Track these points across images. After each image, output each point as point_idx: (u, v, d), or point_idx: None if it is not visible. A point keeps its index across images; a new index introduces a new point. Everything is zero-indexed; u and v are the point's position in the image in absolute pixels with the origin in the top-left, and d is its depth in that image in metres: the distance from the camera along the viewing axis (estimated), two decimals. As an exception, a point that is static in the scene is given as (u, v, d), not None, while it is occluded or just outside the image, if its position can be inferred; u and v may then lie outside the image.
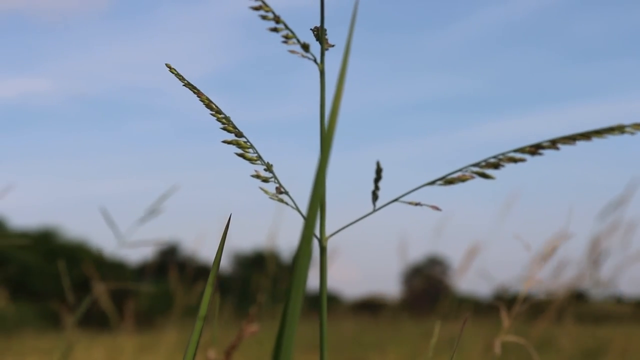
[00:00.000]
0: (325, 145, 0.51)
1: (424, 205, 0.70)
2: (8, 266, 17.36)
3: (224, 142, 0.76)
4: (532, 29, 27.92)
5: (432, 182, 0.69)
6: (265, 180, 0.75)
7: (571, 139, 0.63)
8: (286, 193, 0.75)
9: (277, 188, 0.75)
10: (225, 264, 22.19)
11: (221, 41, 28.86)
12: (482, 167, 0.68)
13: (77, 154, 26.90)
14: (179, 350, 5.85)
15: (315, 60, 0.71)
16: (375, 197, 0.73)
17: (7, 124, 26.91)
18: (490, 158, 0.67)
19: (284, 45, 0.71)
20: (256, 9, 0.72)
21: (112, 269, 17.92)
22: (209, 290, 0.73)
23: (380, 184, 0.73)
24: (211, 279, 0.73)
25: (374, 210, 0.72)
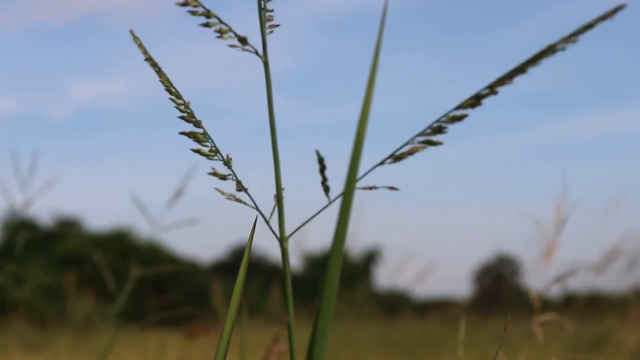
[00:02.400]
0: (356, 151, 0.49)
1: (380, 188, 0.66)
2: (86, 266, 17.68)
3: (181, 133, 0.71)
4: (603, 26, 27.34)
5: (382, 162, 0.64)
6: (223, 178, 0.70)
7: (508, 77, 0.59)
8: (245, 191, 0.70)
9: (237, 184, 0.70)
10: (295, 264, 22.28)
11: (289, 42, 28.96)
12: (427, 134, 0.63)
13: (151, 156, 27.26)
14: (247, 350, 5.93)
15: (256, 53, 0.66)
16: (326, 188, 0.68)
17: (83, 126, 27.41)
18: (433, 123, 0.62)
19: (220, 40, 0.65)
20: (182, 5, 0.65)
21: (184, 269, 18.13)
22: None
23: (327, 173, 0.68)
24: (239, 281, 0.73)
25: (330, 202, 0.67)
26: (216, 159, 0.70)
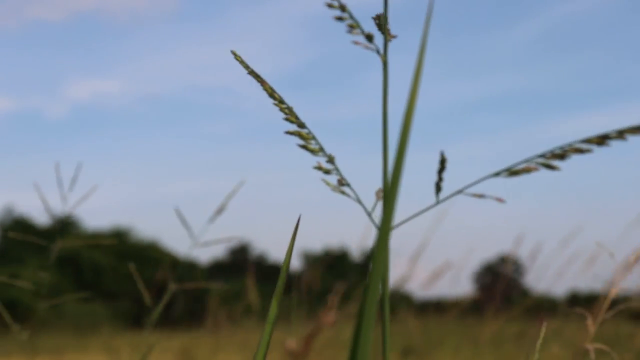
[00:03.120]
0: (402, 144, 0.50)
1: (488, 197, 0.67)
2: (82, 267, 17.62)
3: (287, 133, 0.75)
4: (601, 27, 27.40)
5: (497, 174, 0.66)
6: (327, 172, 0.74)
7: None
8: (348, 185, 0.73)
9: (338, 180, 0.73)
10: (295, 263, 22.24)
11: (287, 41, 28.90)
12: (547, 157, 0.65)
13: (147, 155, 27.22)
14: (251, 350, 5.87)
15: (378, 52, 0.69)
16: (438, 188, 0.70)
17: (79, 125, 27.34)
18: (556, 149, 0.64)
19: (348, 35, 0.69)
20: None
21: (184, 268, 18.07)
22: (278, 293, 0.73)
23: (445, 175, 0.71)
24: (280, 286, 0.71)
25: (437, 203, 0.70)
26: (321, 156, 0.74)
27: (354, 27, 0.68)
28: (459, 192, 0.68)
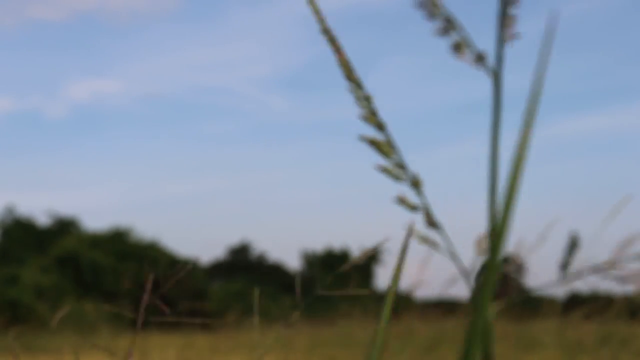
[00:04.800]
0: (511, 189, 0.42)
1: (623, 279, 0.54)
2: (80, 266, 17.62)
3: (362, 139, 0.55)
4: (601, 27, 27.41)
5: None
6: (413, 208, 0.54)
7: None
8: (438, 228, 0.54)
9: (426, 216, 0.54)
10: (294, 262, 22.24)
11: (287, 41, 28.88)
12: None
13: (147, 155, 27.21)
14: (252, 350, 5.87)
15: (489, 71, 0.52)
16: (564, 267, 0.56)
17: (79, 125, 27.33)
18: None
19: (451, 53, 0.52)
20: (419, 5, 0.52)
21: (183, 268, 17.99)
22: None
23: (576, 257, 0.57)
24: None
25: (564, 280, 0.55)
26: (403, 178, 0.54)
27: (461, 45, 0.52)
28: (591, 271, 0.55)
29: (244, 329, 7.46)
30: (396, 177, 0.54)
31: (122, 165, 27.34)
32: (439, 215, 0.53)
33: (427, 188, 0.53)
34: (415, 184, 0.54)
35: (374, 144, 0.54)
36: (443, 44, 0.52)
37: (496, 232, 0.45)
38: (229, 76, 28.55)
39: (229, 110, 28.66)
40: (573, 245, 0.56)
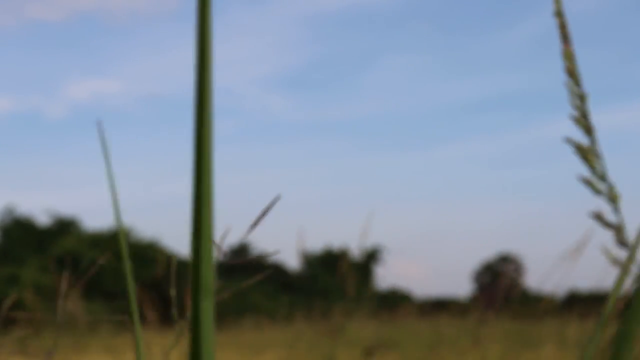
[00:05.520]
0: None
1: None
2: (81, 266, 17.61)
3: (567, 142, 0.49)
4: (602, 26, 27.43)
5: None
6: (609, 226, 0.47)
7: None
8: (627, 246, 0.47)
9: (617, 233, 0.47)
10: (294, 262, 22.24)
11: (288, 41, 28.89)
12: None
13: (148, 155, 27.21)
14: (251, 349, 5.87)
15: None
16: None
17: (79, 124, 27.33)
18: None
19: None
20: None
21: (182, 268, 18.02)
22: None
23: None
24: None
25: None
26: (602, 192, 0.47)
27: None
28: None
29: (243, 328, 7.47)
30: (596, 191, 0.48)
31: (122, 165, 27.31)
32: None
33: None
34: (614, 199, 0.47)
35: (580, 150, 0.48)
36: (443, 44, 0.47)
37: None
38: (229, 76, 28.54)
39: (229, 110, 28.65)
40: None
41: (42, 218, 20.01)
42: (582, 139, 0.50)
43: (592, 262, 3.53)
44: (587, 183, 0.47)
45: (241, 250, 23.51)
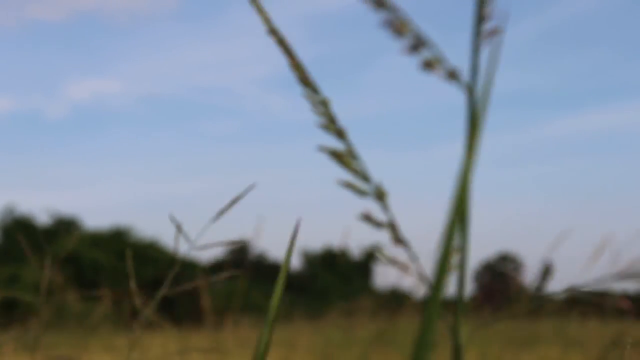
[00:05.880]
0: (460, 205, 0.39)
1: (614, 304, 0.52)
2: (81, 265, 17.63)
3: (321, 150, 0.50)
4: (602, 25, 27.43)
5: None
6: (379, 225, 0.48)
7: None
8: (405, 246, 0.49)
9: (393, 232, 0.49)
10: (294, 261, 22.24)
11: (289, 40, 28.87)
12: None
13: (148, 154, 27.22)
14: (251, 348, 5.88)
15: (465, 87, 0.47)
16: (539, 290, 0.50)
17: (79, 124, 27.35)
18: None
19: (421, 69, 0.47)
20: (386, 24, 0.47)
21: (183, 267, 18.03)
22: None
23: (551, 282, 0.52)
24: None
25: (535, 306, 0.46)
26: (367, 192, 0.48)
27: (432, 63, 0.47)
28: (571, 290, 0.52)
29: (243, 327, 7.47)
30: (360, 192, 0.49)
31: (122, 164, 27.34)
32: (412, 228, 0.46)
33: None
34: (380, 197, 0.48)
35: (334, 155, 0.49)
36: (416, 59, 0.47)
37: (445, 248, 0.40)
38: (229, 76, 28.56)
39: (229, 110, 28.67)
40: (546, 272, 0.53)
41: (43, 217, 20.04)
42: (335, 143, 0.51)
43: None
44: (348, 186, 0.48)
45: (241, 250, 23.52)
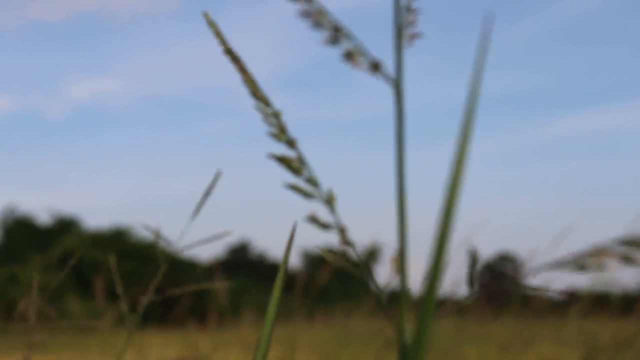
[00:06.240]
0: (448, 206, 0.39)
1: (553, 291, 0.53)
2: (81, 265, 17.63)
3: (272, 157, 0.53)
4: (603, 25, 27.44)
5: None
6: (325, 227, 0.51)
7: None
8: (351, 247, 0.52)
9: (340, 234, 0.51)
10: (293, 261, 22.26)
11: (288, 40, 28.94)
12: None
13: (149, 154, 27.23)
14: (252, 348, 5.89)
15: (391, 80, 0.48)
16: (470, 282, 0.55)
17: (80, 124, 27.36)
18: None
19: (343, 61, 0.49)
20: (305, 14, 0.49)
21: (183, 267, 18.09)
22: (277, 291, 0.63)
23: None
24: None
25: (470, 297, 0.54)
26: (315, 197, 0.51)
27: (353, 54, 0.49)
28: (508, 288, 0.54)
29: (243, 327, 7.48)
30: (307, 195, 0.51)
31: (122, 164, 27.36)
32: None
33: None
34: (329, 200, 0.51)
35: (283, 161, 0.52)
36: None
37: (401, 251, 0.42)
38: (229, 76, 28.59)
39: (229, 110, 28.68)
40: (474, 261, 0.54)
41: (43, 217, 20.04)
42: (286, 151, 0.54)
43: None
44: (295, 189, 0.51)
45: (242, 249, 23.53)
